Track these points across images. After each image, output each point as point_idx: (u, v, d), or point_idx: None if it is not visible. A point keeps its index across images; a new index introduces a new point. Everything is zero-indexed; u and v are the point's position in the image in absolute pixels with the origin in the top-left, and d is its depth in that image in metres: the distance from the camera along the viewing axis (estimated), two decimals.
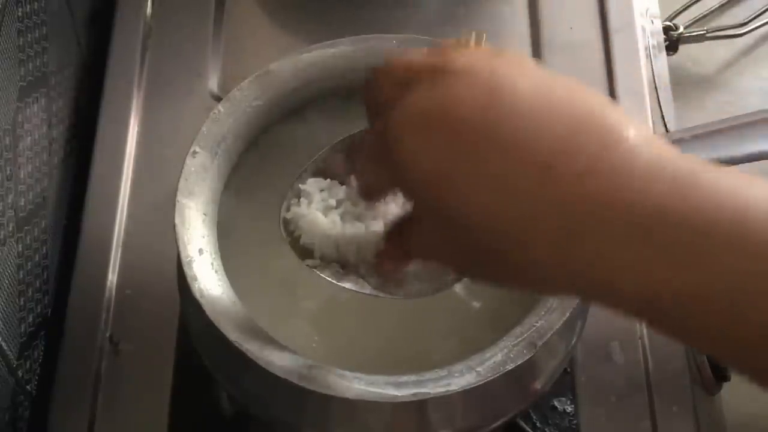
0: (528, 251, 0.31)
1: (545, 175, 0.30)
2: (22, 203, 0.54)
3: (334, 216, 0.44)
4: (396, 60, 0.35)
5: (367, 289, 0.43)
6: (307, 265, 0.43)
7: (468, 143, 0.31)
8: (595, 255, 0.29)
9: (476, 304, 0.48)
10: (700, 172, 0.29)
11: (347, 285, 0.43)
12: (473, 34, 0.37)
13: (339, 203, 0.44)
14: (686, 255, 0.28)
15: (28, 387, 0.55)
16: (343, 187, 0.44)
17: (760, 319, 0.28)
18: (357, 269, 0.44)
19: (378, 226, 0.43)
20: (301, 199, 0.44)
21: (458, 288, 0.47)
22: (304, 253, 0.44)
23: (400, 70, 0.34)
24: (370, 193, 0.39)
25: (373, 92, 0.36)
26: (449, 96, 0.31)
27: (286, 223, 0.44)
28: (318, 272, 0.43)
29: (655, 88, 0.66)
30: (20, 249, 0.53)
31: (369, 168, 0.37)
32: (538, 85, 0.31)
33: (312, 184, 0.45)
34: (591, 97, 0.32)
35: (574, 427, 0.54)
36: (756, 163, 0.44)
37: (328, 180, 0.45)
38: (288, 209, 0.44)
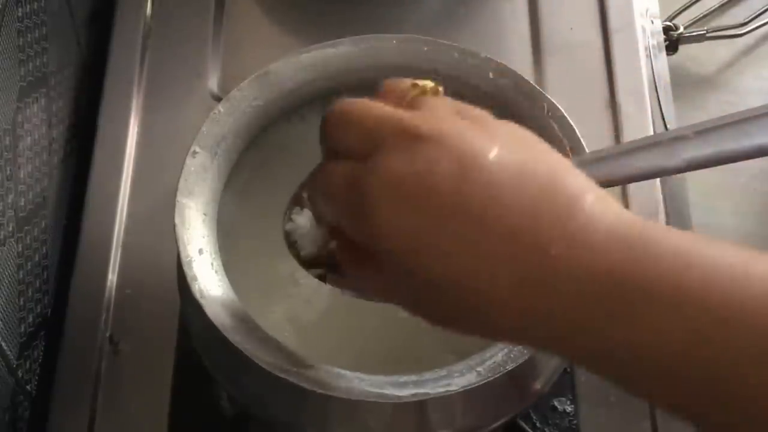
0: (490, 308, 0.32)
1: (511, 242, 0.32)
2: (22, 203, 0.54)
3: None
4: (359, 108, 0.35)
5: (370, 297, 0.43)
6: (311, 274, 0.43)
7: (441, 211, 0.32)
8: (551, 314, 0.31)
9: None
10: (650, 238, 0.31)
11: (350, 292, 0.43)
12: (430, 84, 0.37)
13: None
14: (633, 317, 0.30)
15: (27, 387, 0.55)
16: None
17: (696, 383, 0.30)
18: None
19: None
20: (304, 210, 0.44)
21: None
22: (308, 262, 0.44)
23: (365, 121, 0.35)
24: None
25: (333, 134, 0.36)
26: (422, 165, 0.32)
27: (287, 234, 0.44)
28: (321, 282, 0.43)
29: (655, 88, 0.66)
30: (20, 249, 0.53)
31: (329, 206, 0.37)
32: (504, 153, 0.33)
33: None
34: (553, 163, 0.33)
35: (573, 427, 0.54)
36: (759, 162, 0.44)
37: None
38: (289, 219, 0.44)
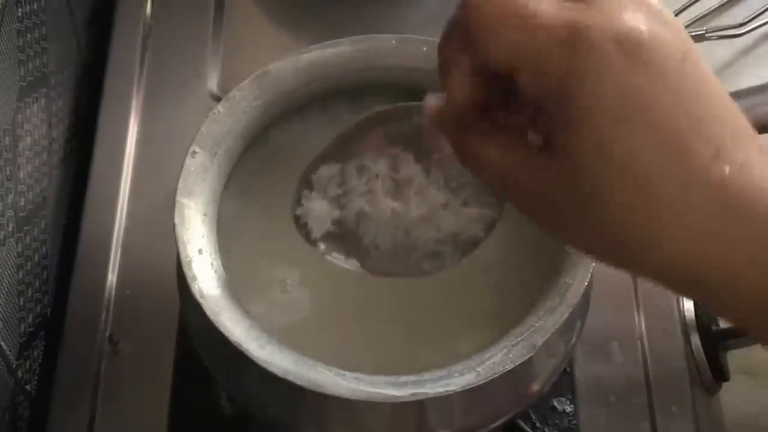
0: (653, 230, 0.29)
1: (685, 153, 0.29)
2: (22, 203, 0.54)
3: (346, 201, 0.44)
4: None
5: (377, 269, 0.43)
6: (323, 254, 0.43)
7: (661, 86, 0.29)
8: (720, 250, 0.29)
9: (476, 304, 0.48)
10: None
11: (353, 267, 0.43)
12: None
13: (350, 189, 0.44)
14: None
15: (27, 387, 0.55)
16: (355, 170, 0.44)
17: None
18: (368, 252, 0.44)
19: (388, 209, 0.43)
20: (313, 192, 0.44)
21: (459, 287, 0.47)
22: (319, 243, 0.44)
23: None
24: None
25: None
26: (655, 34, 0.29)
27: (297, 218, 0.44)
28: (331, 259, 0.43)
29: None
30: (20, 249, 0.53)
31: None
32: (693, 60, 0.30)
33: (323, 173, 0.44)
34: (724, 92, 0.31)
35: (573, 427, 0.54)
36: None
37: (339, 165, 0.44)
38: (299, 203, 0.44)
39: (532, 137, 0.33)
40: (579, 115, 0.29)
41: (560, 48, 0.29)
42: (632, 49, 0.28)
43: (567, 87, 0.29)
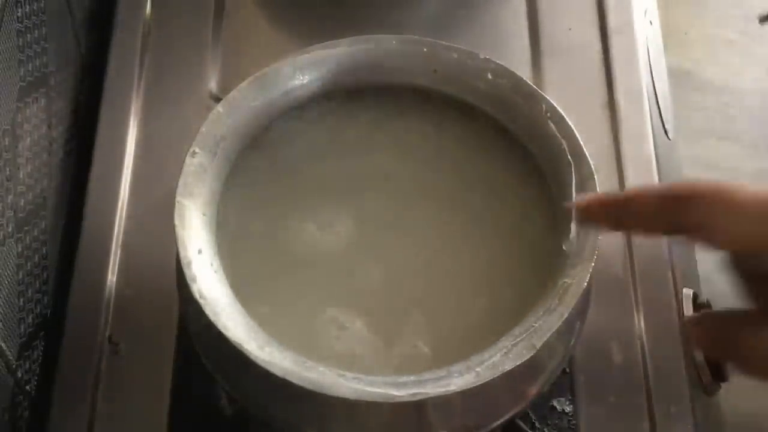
0: None
1: None
2: (22, 204, 0.54)
3: None
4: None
5: None
6: None
7: None
8: None
9: (475, 304, 0.48)
10: None
11: None
12: None
13: None
14: None
15: (27, 387, 0.55)
16: None
17: None
18: None
19: None
20: None
21: (458, 288, 0.47)
22: None
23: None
24: None
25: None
26: None
27: None
28: None
29: (654, 89, 0.66)
30: (20, 249, 0.53)
31: None
32: None
33: None
34: None
35: (572, 427, 0.54)
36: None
37: None
38: None
39: None
40: None
41: None
42: None
43: None
